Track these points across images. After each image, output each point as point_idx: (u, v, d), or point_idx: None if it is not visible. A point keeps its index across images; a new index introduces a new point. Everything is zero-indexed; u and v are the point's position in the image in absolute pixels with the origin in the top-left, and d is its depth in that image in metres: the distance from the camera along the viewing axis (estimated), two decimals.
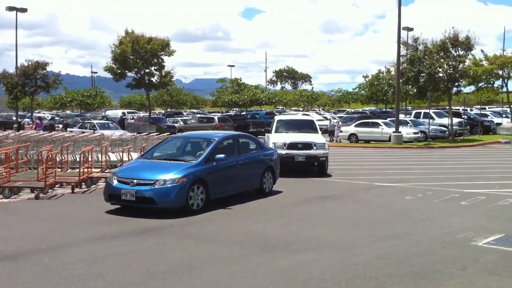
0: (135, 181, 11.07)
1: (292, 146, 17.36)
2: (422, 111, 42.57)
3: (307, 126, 19.47)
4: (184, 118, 49.51)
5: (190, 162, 11.85)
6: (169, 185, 10.92)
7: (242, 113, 54.83)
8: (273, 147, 17.00)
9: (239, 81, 63.16)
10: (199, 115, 49.12)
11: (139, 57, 38.56)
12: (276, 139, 17.88)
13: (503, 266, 7.43)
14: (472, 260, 7.72)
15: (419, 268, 7.29)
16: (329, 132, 34.48)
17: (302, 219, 10.81)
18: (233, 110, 70.00)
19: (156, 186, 10.91)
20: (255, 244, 8.78)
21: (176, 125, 41.29)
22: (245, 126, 41.28)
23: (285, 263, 7.64)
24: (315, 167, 17.76)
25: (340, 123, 36.97)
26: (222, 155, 12.02)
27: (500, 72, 42.52)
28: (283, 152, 16.97)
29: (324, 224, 10.36)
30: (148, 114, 46.66)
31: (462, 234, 9.28)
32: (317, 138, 18.06)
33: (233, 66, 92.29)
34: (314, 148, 17.35)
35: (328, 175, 17.36)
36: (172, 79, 43.87)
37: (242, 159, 13.07)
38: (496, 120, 43.41)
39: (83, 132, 24.29)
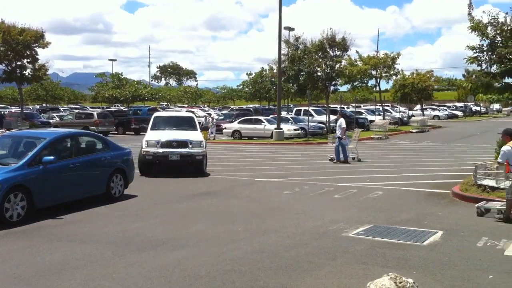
0: None
1: (166, 144, 16.60)
2: (302, 108, 44.11)
3: (187, 123, 18.60)
4: (61, 114, 47.15)
5: (9, 165, 10.21)
6: None
7: (124, 109, 53.39)
8: (146, 145, 16.47)
9: (120, 75, 61.46)
10: (76, 111, 47.03)
11: (10, 48, 36.06)
12: (150, 137, 17.06)
13: (370, 255, 7.86)
14: (342, 250, 8.08)
15: (292, 260, 7.49)
16: (203, 129, 34.56)
17: (181, 217, 10.69)
18: (114, 106, 68.04)
19: None
20: (131, 243, 8.52)
21: (51, 121, 39.23)
22: (127, 123, 40.23)
23: (161, 261, 7.49)
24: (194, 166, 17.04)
25: (215, 120, 37.30)
26: (51, 157, 10.54)
27: (374, 72, 45.22)
28: (157, 150, 16.45)
29: (203, 220, 10.32)
30: (20, 109, 43.79)
31: (334, 226, 9.69)
32: (195, 136, 17.30)
33: (115, 60, 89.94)
34: (190, 146, 16.67)
35: (207, 174, 17.01)
36: (47, 73, 41.59)
37: (81, 161, 11.58)
38: (370, 117, 46.14)
39: None
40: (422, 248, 8.22)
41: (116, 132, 39.87)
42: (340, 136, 20.32)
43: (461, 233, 9.22)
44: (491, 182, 11.56)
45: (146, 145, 16.60)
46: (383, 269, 6.96)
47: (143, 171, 16.71)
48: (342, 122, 20.73)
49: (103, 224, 10.02)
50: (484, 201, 11.17)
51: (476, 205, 10.97)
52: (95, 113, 39.87)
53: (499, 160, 10.35)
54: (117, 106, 68.56)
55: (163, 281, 6.64)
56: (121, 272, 6.99)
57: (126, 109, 53.69)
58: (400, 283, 4.54)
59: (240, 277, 6.77)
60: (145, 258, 7.64)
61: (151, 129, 18.04)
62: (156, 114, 20.35)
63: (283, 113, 38.97)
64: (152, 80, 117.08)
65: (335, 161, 20.37)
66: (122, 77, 61.64)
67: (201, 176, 16.63)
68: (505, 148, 10.19)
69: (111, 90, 58.08)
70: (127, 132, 38.98)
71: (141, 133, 34.33)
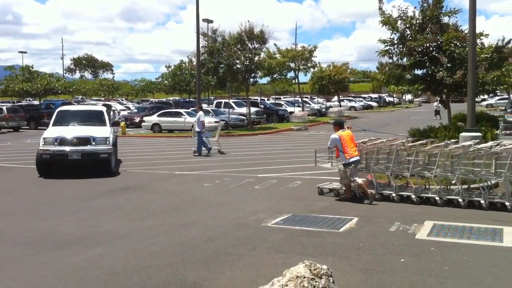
0: None
1: (66, 141, 15.19)
2: (223, 101, 44.15)
3: (95, 118, 16.98)
4: None
5: None
6: None
7: (35, 103, 51.13)
8: (43, 143, 15.24)
9: (30, 68, 58.70)
10: None
11: None
12: (48, 133, 15.62)
13: (288, 243, 7.96)
14: (261, 240, 8.13)
15: (212, 252, 7.45)
16: (114, 123, 33.84)
17: (97, 213, 10.35)
18: (26, 100, 65.06)
19: None
20: (43, 242, 8.14)
21: None
22: (39, 117, 38.63)
23: (75, 259, 7.20)
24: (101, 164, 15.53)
25: (120, 113, 36.90)
26: None
27: (292, 65, 45.94)
28: (55, 148, 15.11)
29: (120, 216, 10.05)
30: None
31: (254, 216, 9.75)
32: (101, 131, 15.80)
33: (25, 52, 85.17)
34: (93, 143, 15.27)
35: (117, 173, 15.92)
36: None
37: None
38: (289, 109, 46.90)
39: None
40: (338, 235, 8.44)
41: (28, 127, 38.16)
42: (199, 130, 20.41)
43: (375, 218, 9.55)
44: (328, 165, 12.50)
45: (43, 143, 15.24)
46: (301, 256, 7.05)
47: (41, 172, 15.37)
48: (201, 115, 20.87)
49: (12, 223, 9.51)
50: (328, 182, 12.55)
51: (317, 185, 12.23)
52: (4, 108, 37.99)
53: (328, 145, 11.68)
54: (29, 100, 65.56)
55: (77, 280, 6.39)
56: (33, 272, 6.66)
57: (38, 103, 51.49)
58: (314, 270, 4.61)
59: (158, 272, 6.64)
60: (58, 257, 7.32)
61: (53, 125, 16.47)
62: (60, 108, 18.56)
63: (204, 106, 38.79)
64: (66, 73, 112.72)
65: (196, 154, 20.40)
66: (33, 69, 58.90)
67: (115, 174, 15.68)
68: (333, 136, 11.41)
69: (21, 83, 55.34)
70: (39, 127, 37.31)
71: None
